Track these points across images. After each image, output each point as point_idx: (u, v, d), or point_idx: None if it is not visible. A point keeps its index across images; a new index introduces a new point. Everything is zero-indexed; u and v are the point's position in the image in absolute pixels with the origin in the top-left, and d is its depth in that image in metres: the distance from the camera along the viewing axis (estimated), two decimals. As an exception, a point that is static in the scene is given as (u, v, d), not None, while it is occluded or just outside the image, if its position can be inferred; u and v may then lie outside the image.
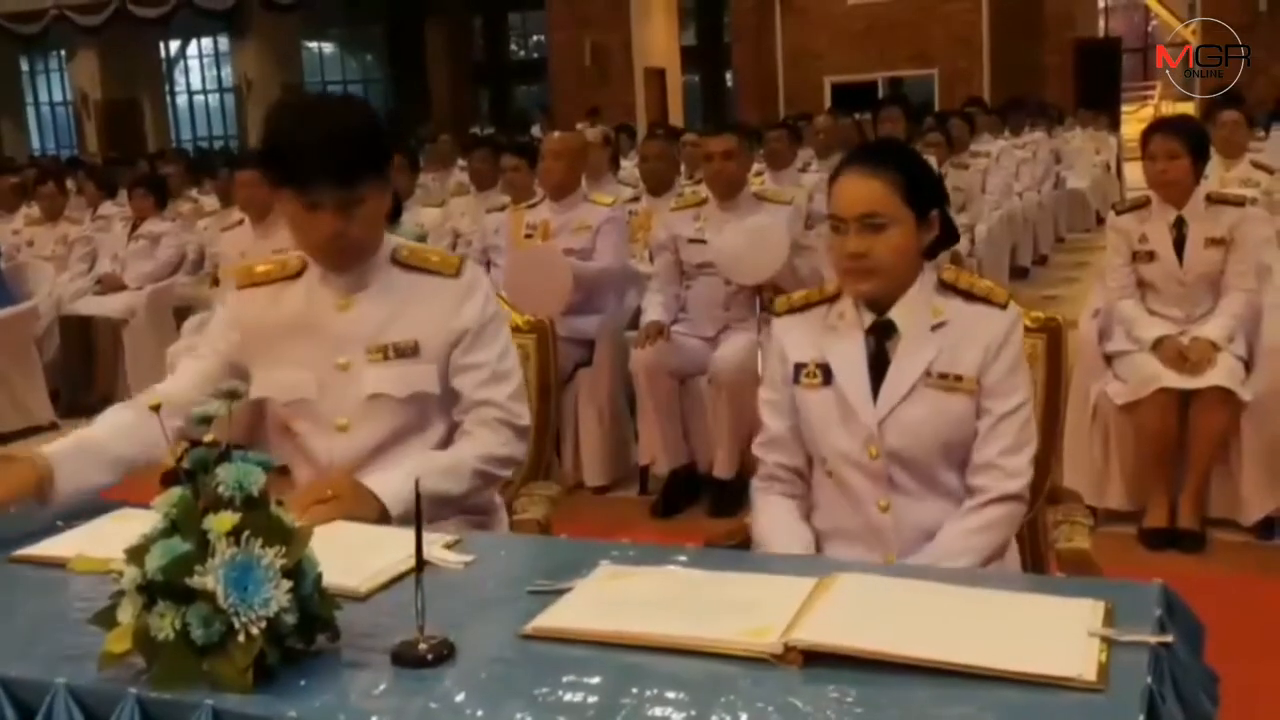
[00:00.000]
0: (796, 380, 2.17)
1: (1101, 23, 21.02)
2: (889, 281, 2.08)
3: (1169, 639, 1.41)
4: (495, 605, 1.61)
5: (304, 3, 18.81)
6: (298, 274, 2.22)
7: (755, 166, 6.92)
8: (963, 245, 7.15)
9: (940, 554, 2.03)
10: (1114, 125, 14.20)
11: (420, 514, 1.46)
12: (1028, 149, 10.36)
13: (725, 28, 17.80)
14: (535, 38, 23.87)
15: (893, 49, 15.14)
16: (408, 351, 2.15)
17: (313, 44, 24.82)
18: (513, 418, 2.21)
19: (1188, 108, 13.81)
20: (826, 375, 2.14)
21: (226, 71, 24.12)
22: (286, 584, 1.39)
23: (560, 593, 1.60)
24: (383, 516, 2.00)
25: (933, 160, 7.34)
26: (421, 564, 1.45)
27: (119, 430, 2.14)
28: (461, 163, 9.56)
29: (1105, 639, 1.39)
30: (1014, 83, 14.73)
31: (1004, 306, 2.11)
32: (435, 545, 1.75)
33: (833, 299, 2.19)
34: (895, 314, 2.10)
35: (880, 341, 2.12)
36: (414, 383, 2.16)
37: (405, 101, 20.94)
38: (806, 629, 1.42)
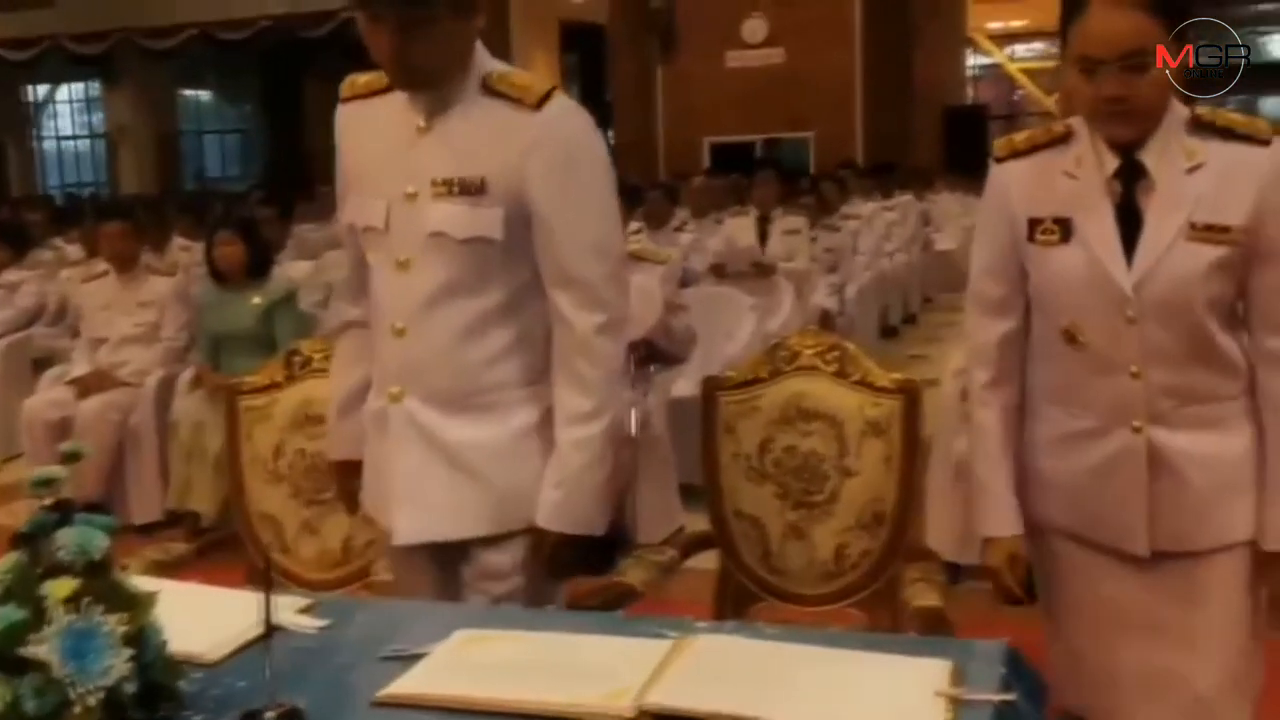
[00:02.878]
0: (1031, 238, 1.97)
1: (970, 91, 21.78)
2: (1150, 122, 1.88)
3: (1012, 698, 1.46)
4: (349, 671, 1.58)
5: (178, 51, 18.51)
6: (390, 87, 2.01)
7: (633, 225, 7.00)
8: (833, 304, 7.31)
9: None
10: (980, 189, 14.66)
11: (269, 579, 1.43)
12: (898, 211, 10.65)
13: (607, 87, 18.02)
14: (417, 91, 23.82)
15: (770, 112, 15.45)
16: (473, 189, 1.93)
17: (189, 92, 24.40)
18: (588, 349, 1.97)
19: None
20: (1066, 231, 1.93)
21: (98, 118, 23.56)
22: (127, 652, 1.35)
23: (415, 658, 1.58)
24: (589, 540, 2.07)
25: (804, 222, 7.56)
26: (270, 629, 1.42)
27: (348, 375, 2.22)
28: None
29: (951, 699, 1.43)
30: (886, 146, 15.13)
31: (1268, 142, 1.88)
32: (289, 610, 1.71)
33: (1064, 139, 1.97)
34: (1144, 155, 1.89)
35: (1129, 188, 1.91)
36: (475, 225, 1.94)
37: (283, 153, 20.69)
38: (659, 692, 1.42)
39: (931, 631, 2.07)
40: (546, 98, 1.94)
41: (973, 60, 21.93)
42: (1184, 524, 1.97)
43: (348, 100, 2.10)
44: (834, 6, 15.12)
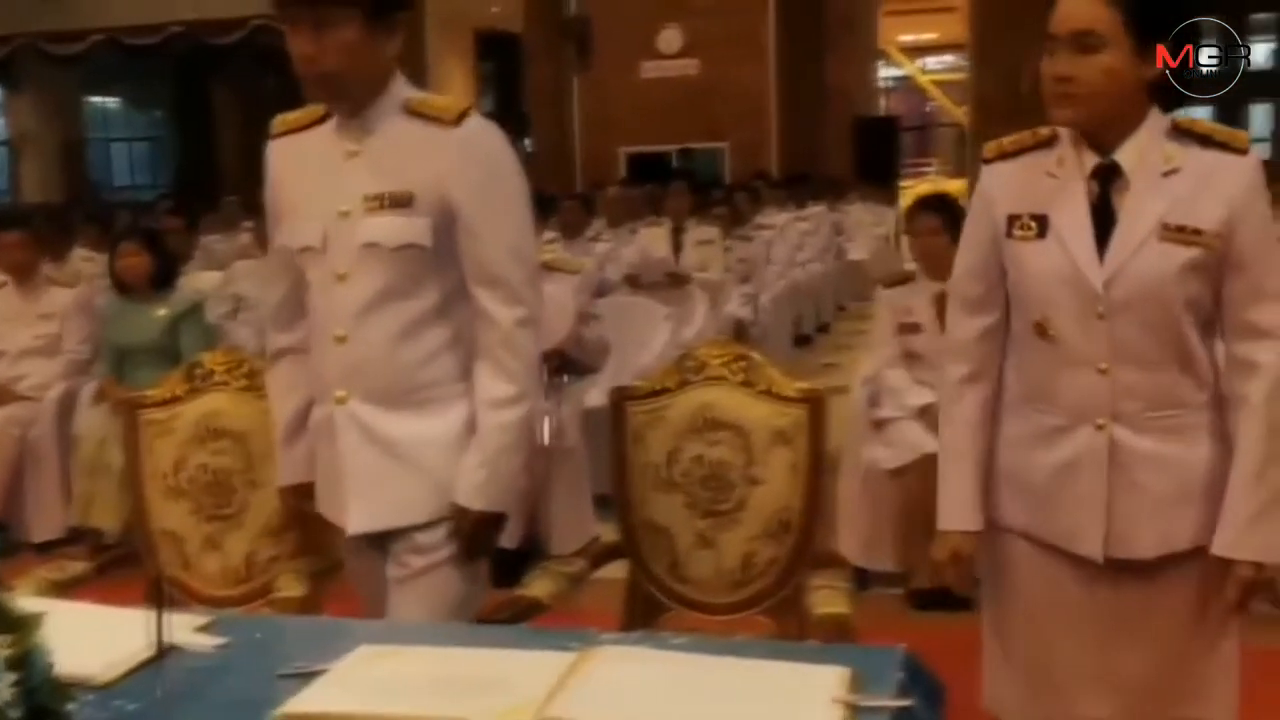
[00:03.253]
0: (1009, 234, 2.02)
1: (882, 101, 22.12)
2: (1095, 110, 1.91)
3: (908, 703, 1.47)
4: (246, 690, 1.56)
5: (84, 56, 18.11)
6: (323, 119, 2.17)
7: (548, 235, 6.99)
8: (747, 314, 7.36)
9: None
10: (892, 199, 14.88)
11: (162, 597, 1.41)
12: (811, 221, 10.75)
13: (523, 96, 17.97)
14: (331, 99, 23.54)
15: (685, 122, 15.52)
16: (402, 202, 2.08)
17: (97, 98, 23.90)
18: (510, 341, 2.10)
19: (960, 185, 14.61)
20: (1042, 227, 1.98)
21: (0, 124, 22.95)
22: (11, 676, 1.31)
23: (314, 675, 1.56)
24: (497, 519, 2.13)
25: (718, 232, 7.60)
26: (163, 649, 1.40)
27: (287, 402, 2.29)
28: (247, 224, 9.32)
29: (848, 705, 1.44)
30: (800, 156, 15.30)
31: (1245, 152, 1.93)
32: (185, 628, 1.68)
33: (1049, 143, 2.03)
34: (1121, 157, 1.94)
35: (1105, 188, 1.96)
36: (406, 234, 2.08)
37: (193, 161, 20.32)
38: (559, 705, 1.42)
39: (835, 639, 2.09)
40: (464, 115, 2.09)
41: (885, 72, 22.27)
42: (1136, 528, 1.99)
43: (278, 136, 2.22)
44: (748, 18, 15.25)
